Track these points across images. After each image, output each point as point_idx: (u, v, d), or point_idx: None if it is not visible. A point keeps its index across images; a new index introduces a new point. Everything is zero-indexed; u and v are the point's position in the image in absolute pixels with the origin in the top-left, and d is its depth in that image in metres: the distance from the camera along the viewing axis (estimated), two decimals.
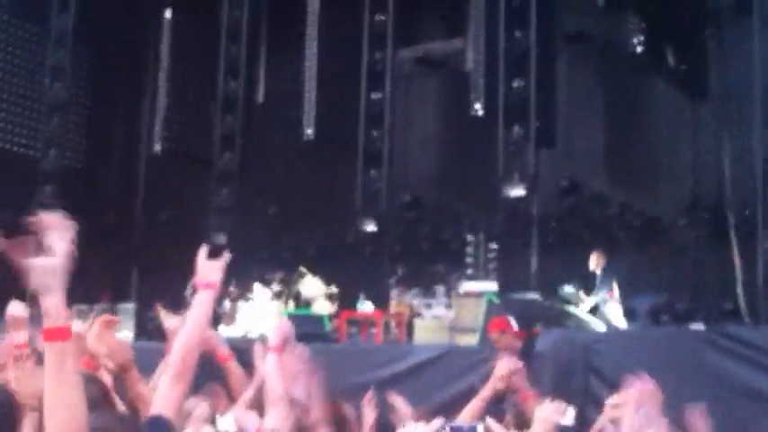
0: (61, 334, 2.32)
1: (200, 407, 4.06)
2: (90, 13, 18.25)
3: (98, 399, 2.90)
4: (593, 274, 12.18)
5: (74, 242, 2.29)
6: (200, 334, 3.14)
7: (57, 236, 2.30)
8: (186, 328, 3.15)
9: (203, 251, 3.26)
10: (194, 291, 3.22)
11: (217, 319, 13.02)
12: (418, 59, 18.20)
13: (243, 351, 5.09)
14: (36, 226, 2.27)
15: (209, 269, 3.21)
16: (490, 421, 2.47)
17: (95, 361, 3.53)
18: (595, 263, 12.23)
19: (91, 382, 2.99)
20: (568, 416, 3.63)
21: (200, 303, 3.18)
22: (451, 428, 2.46)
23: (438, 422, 2.49)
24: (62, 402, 2.37)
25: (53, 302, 2.31)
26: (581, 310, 11.59)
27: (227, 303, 13.74)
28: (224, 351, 4.91)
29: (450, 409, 5.00)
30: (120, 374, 3.43)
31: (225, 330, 12.62)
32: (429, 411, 5.00)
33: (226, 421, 4.08)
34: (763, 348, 6.52)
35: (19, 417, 2.94)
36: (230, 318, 13.45)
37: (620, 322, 11.18)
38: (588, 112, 16.16)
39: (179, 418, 2.98)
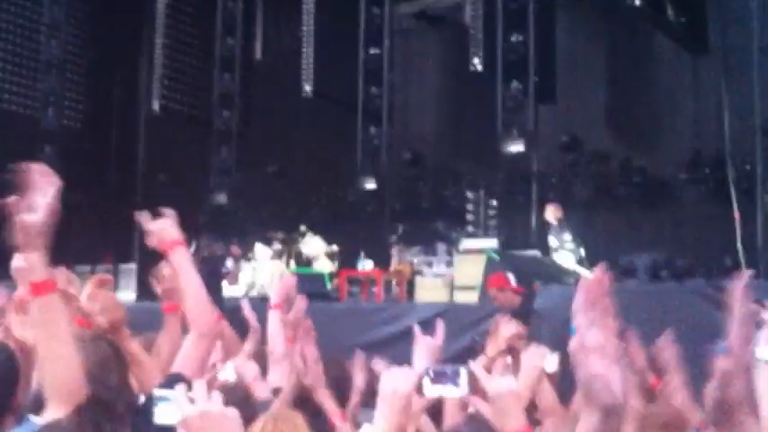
0: (46, 287, 2.33)
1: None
2: None
3: (108, 357, 2.91)
4: (549, 225, 12.00)
5: (57, 198, 2.29)
6: (200, 287, 3.14)
7: (39, 193, 2.30)
8: (188, 293, 3.14)
9: (144, 217, 3.15)
10: (168, 256, 3.16)
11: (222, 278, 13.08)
12: (416, 14, 18.07)
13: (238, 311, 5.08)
14: (19, 183, 2.27)
15: (163, 230, 3.13)
16: (473, 365, 2.46)
17: (88, 319, 3.53)
18: (553, 215, 12.06)
19: (99, 340, 3.01)
20: (551, 362, 3.64)
21: (180, 263, 3.14)
22: (434, 371, 2.47)
23: (421, 367, 2.50)
24: (54, 355, 2.39)
25: (36, 258, 2.33)
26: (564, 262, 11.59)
27: (229, 263, 13.78)
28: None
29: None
30: (111, 332, 3.43)
31: (228, 289, 12.66)
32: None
33: (226, 371, 4.10)
34: (761, 301, 6.53)
35: (23, 372, 2.96)
36: (233, 277, 13.50)
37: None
38: (588, 67, 16.07)
39: (200, 374, 2.99)
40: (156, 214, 3.18)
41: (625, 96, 15.54)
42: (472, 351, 5.12)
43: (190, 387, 1.94)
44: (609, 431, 1.75)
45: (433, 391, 2.45)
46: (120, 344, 3.34)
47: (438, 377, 2.46)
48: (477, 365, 2.44)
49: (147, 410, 2.27)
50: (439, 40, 18.19)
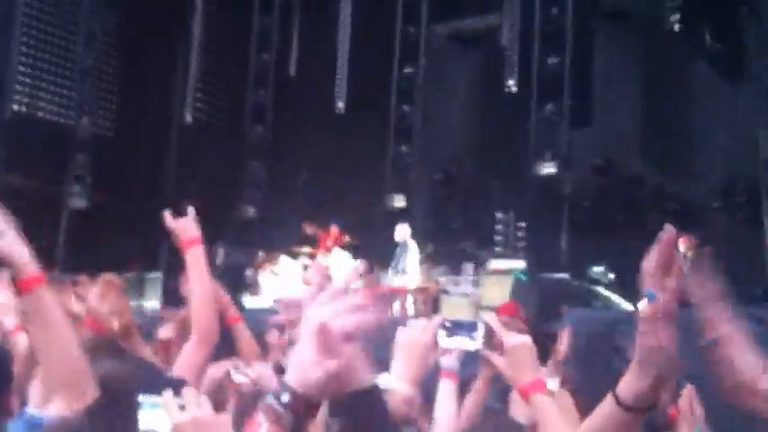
0: (31, 282, 2.28)
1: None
2: None
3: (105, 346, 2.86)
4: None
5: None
6: (210, 291, 3.10)
7: None
8: (196, 293, 3.11)
9: (168, 216, 3.20)
10: (182, 251, 3.17)
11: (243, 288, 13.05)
12: (452, 35, 18.03)
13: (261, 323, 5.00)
14: None
15: (184, 228, 3.16)
16: (489, 317, 2.44)
17: (99, 322, 3.49)
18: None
19: (98, 339, 2.96)
20: (552, 384, 3.61)
21: (195, 262, 3.13)
22: (451, 323, 2.46)
23: (438, 319, 2.48)
24: (51, 346, 2.34)
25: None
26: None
27: (250, 272, 13.73)
28: (233, 312, 4.85)
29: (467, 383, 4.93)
30: (123, 337, 3.39)
31: (249, 300, 12.61)
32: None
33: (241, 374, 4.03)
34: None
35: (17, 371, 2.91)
36: (255, 287, 13.44)
37: None
38: (624, 91, 15.94)
39: (200, 381, 2.96)
40: (179, 213, 3.22)
41: (660, 121, 15.39)
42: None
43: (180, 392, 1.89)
44: (653, 399, 1.66)
45: (448, 342, 2.48)
46: (132, 349, 3.29)
47: (454, 329, 2.48)
48: (492, 319, 2.42)
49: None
50: (473, 60, 18.14)
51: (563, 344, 3.89)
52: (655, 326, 1.62)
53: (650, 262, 1.66)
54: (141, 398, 2.17)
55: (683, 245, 11.89)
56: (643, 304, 1.63)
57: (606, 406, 1.70)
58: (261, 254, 13.97)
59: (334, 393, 1.48)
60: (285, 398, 1.54)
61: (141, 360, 3.17)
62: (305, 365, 1.53)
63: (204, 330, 3.05)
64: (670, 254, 1.67)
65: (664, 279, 1.64)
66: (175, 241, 3.18)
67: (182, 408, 1.86)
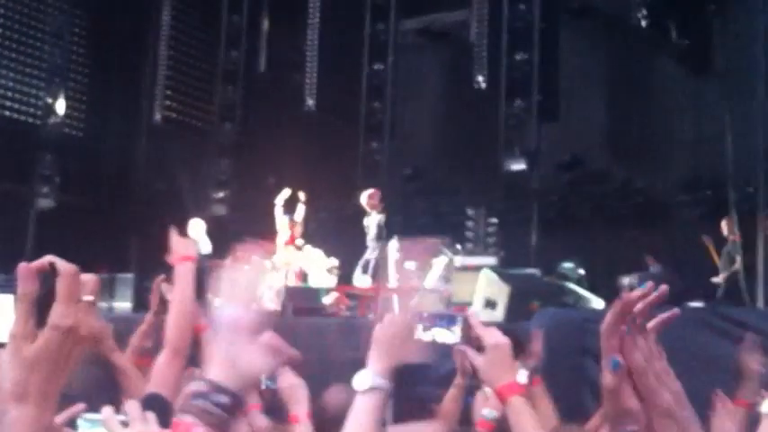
0: None
1: None
2: None
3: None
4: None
5: None
6: (190, 307, 3.13)
7: None
8: (175, 305, 3.13)
9: (173, 231, 3.26)
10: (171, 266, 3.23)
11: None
12: (421, 31, 18.05)
13: None
14: None
15: (183, 245, 3.24)
16: (470, 313, 2.45)
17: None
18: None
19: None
20: (521, 376, 3.66)
21: (182, 277, 3.18)
22: (430, 315, 2.46)
23: (415, 311, 2.48)
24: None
25: None
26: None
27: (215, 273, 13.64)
28: (202, 321, 4.88)
29: (443, 383, 4.96)
30: (95, 343, 3.39)
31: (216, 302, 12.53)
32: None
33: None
34: (756, 328, 6.48)
35: None
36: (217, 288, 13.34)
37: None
38: (591, 86, 16.05)
39: (177, 394, 2.96)
40: (182, 233, 3.36)
41: (627, 116, 15.52)
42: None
43: (167, 407, 1.87)
44: None
45: (426, 335, 2.44)
46: (105, 356, 3.30)
47: (433, 322, 2.45)
48: (473, 315, 2.42)
49: None
50: (443, 56, 18.18)
51: (535, 349, 3.93)
52: (622, 390, 1.64)
53: (607, 326, 1.67)
54: (80, 418, 2.09)
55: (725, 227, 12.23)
56: (608, 375, 1.65)
57: None
58: (233, 252, 13.90)
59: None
60: (220, 398, 1.55)
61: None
62: (236, 361, 1.56)
63: (178, 343, 3.07)
64: (624, 318, 1.68)
65: (624, 342, 1.65)
66: (169, 253, 3.24)
67: (124, 425, 1.72)
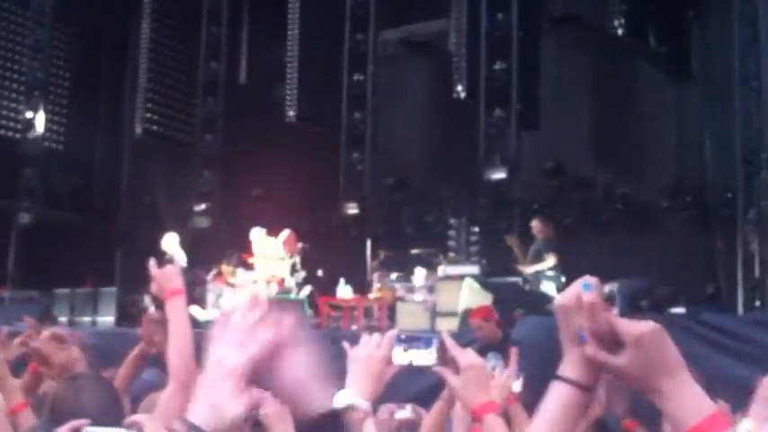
0: None
1: None
2: None
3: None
4: (534, 239, 12.38)
5: None
6: (189, 341, 3.12)
7: None
8: (174, 342, 3.12)
9: (153, 264, 3.24)
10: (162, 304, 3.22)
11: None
12: (401, 41, 18.06)
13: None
14: None
15: (167, 278, 3.20)
16: (445, 334, 2.45)
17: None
18: (539, 230, 12.41)
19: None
20: (516, 384, 3.67)
21: (176, 312, 3.16)
22: (408, 336, 2.46)
23: (392, 332, 2.49)
24: None
25: None
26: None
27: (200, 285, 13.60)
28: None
29: (433, 393, 4.96)
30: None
31: (200, 314, 12.48)
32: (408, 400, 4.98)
33: None
34: (736, 335, 6.53)
35: None
36: (203, 302, 13.28)
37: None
38: (572, 94, 16.09)
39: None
40: (161, 262, 3.28)
41: (608, 124, 15.56)
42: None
43: None
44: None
45: (403, 357, 2.44)
46: None
47: (409, 344, 2.45)
48: (447, 336, 2.43)
49: None
50: (423, 66, 18.19)
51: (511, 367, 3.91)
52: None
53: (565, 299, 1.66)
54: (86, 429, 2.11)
55: (537, 228, 12.31)
56: (584, 348, 1.63)
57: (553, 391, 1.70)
58: (217, 265, 13.88)
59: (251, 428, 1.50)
60: None
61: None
62: (218, 405, 1.56)
63: (183, 375, 3.06)
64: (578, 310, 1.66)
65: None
66: (155, 291, 3.23)
67: None
